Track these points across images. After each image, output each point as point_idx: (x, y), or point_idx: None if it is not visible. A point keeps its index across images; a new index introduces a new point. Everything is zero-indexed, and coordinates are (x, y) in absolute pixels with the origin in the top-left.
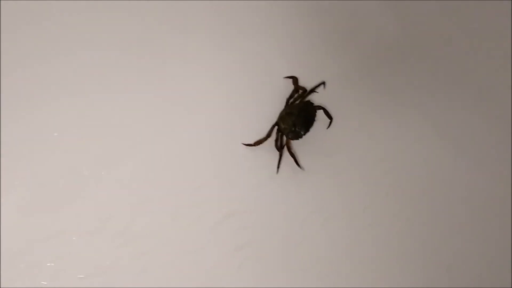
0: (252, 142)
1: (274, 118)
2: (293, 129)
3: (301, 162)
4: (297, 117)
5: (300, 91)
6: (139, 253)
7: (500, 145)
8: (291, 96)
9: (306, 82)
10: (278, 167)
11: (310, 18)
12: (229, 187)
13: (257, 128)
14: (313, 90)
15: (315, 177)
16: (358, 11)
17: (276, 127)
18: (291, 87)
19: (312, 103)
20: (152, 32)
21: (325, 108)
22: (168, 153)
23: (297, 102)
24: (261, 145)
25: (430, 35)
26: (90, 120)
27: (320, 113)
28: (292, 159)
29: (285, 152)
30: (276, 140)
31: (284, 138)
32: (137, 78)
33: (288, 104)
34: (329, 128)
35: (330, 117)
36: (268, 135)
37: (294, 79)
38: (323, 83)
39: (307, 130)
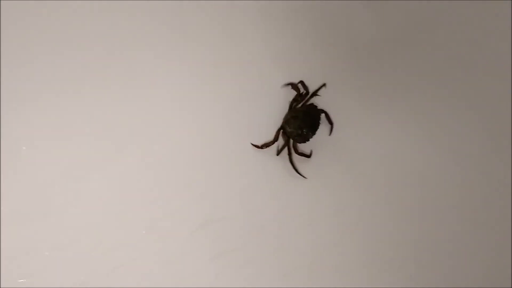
0: (259, 144)
1: (250, 124)
2: (299, 132)
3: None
4: (303, 120)
5: (303, 93)
6: (113, 267)
7: (499, 142)
8: (294, 100)
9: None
10: (297, 171)
11: (301, 20)
12: (204, 195)
13: (238, 134)
14: (315, 94)
15: (292, 182)
16: (348, 10)
17: (281, 131)
18: (282, 92)
19: (315, 106)
20: (145, 36)
21: (327, 112)
22: (139, 163)
23: (300, 105)
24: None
25: (427, 33)
26: (58, 133)
27: (322, 117)
28: (294, 164)
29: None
30: (284, 145)
31: (291, 141)
32: (110, 88)
33: (291, 108)
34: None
35: (330, 122)
36: (275, 139)
37: (293, 85)
38: (324, 84)
39: (313, 133)
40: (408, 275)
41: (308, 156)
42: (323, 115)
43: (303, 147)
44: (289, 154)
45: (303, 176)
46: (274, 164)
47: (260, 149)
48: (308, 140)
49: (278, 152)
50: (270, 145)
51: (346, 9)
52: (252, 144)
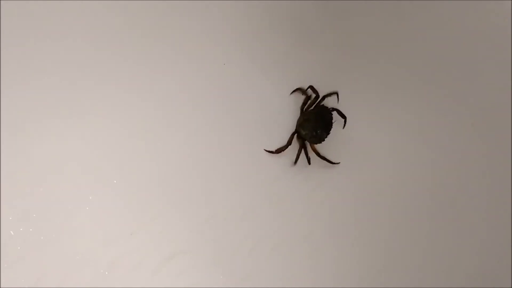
0: (269, 150)
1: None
2: (314, 133)
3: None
4: (315, 122)
5: (312, 96)
6: None
7: (499, 141)
8: (304, 104)
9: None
10: (308, 160)
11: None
12: (166, 228)
13: (214, 159)
14: (326, 96)
15: (256, 209)
16: (348, 9)
17: (296, 135)
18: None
19: (326, 107)
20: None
21: (338, 109)
22: (97, 198)
23: (311, 108)
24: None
25: (428, 32)
26: (9, 172)
27: (334, 115)
28: (325, 161)
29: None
30: (300, 149)
31: (307, 143)
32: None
33: (303, 111)
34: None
35: (343, 116)
36: (289, 143)
37: (301, 90)
38: (337, 93)
39: (327, 132)
40: (408, 275)
41: (332, 162)
42: (335, 113)
43: (320, 148)
44: (306, 154)
45: (334, 163)
46: (240, 192)
47: (274, 154)
48: (323, 140)
49: (296, 161)
50: (283, 150)
51: (346, 7)
52: (265, 150)
